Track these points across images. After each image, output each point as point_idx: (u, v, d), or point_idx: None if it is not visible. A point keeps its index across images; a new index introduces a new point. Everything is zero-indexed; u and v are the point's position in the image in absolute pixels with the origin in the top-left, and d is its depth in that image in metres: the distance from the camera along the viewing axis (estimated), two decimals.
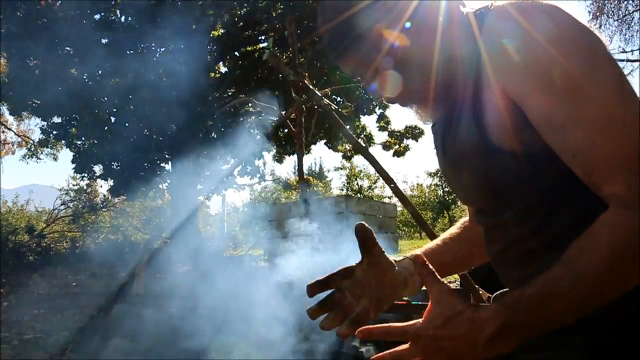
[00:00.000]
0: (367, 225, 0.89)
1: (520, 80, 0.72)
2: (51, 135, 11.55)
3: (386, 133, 14.09)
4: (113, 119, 10.74)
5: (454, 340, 0.67)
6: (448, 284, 0.74)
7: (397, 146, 14.08)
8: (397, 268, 0.93)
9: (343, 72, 0.97)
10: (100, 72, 10.22)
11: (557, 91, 0.69)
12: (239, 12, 11.36)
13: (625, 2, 12.67)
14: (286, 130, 8.30)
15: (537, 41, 0.70)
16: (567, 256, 0.67)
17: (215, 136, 12.41)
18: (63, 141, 11.95)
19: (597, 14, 13.04)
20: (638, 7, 12.40)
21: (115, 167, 10.64)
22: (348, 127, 4.48)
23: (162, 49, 11.16)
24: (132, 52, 10.57)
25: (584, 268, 0.64)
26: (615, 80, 0.69)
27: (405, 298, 3.62)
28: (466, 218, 1.17)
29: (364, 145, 3.87)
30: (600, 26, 12.95)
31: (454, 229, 1.15)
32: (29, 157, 16.31)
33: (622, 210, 0.65)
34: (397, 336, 0.72)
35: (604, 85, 0.68)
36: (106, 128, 10.41)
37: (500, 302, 0.68)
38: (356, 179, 24.17)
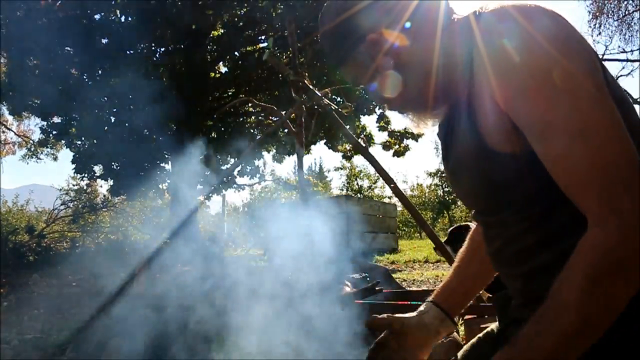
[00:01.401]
0: (373, 318, 1.06)
1: (502, 86, 0.73)
2: (51, 135, 11.56)
3: (386, 133, 14.10)
4: (113, 119, 10.74)
5: None
6: None
7: (397, 146, 14.09)
8: (425, 323, 1.07)
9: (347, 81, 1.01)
10: (100, 72, 10.24)
11: (536, 98, 0.70)
12: (239, 12, 11.36)
13: (625, 2, 12.67)
14: (286, 130, 8.30)
15: (517, 47, 0.71)
16: (551, 290, 0.68)
17: (215, 136, 12.42)
18: (63, 141, 11.96)
19: (597, 14, 13.05)
20: (638, 7, 12.40)
21: (115, 167, 10.65)
22: (348, 127, 4.48)
23: (162, 49, 11.17)
24: (132, 52, 10.58)
25: (566, 299, 0.65)
26: (593, 89, 0.68)
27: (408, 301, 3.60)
28: (473, 225, 1.19)
29: (364, 145, 3.87)
30: (600, 26, 12.96)
31: (467, 249, 1.17)
32: (29, 157, 16.34)
33: (594, 231, 0.65)
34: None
35: (581, 94, 0.68)
36: (106, 128, 10.42)
37: (508, 343, 0.71)
38: (356, 179, 24.17)
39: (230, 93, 12.24)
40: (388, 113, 13.64)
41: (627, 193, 0.64)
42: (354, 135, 4.44)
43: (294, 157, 14.80)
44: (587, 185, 0.67)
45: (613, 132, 0.67)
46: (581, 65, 0.70)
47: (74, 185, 12.85)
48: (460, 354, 1.05)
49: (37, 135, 15.48)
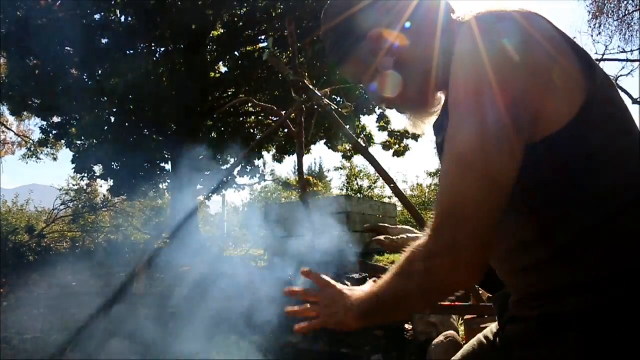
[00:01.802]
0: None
1: (449, 91, 0.78)
2: (51, 135, 11.55)
3: (386, 133, 14.07)
4: (113, 119, 10.74)
5: (335, 311, 0.94)
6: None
7: (397, 146, 14.07)
8: None
9: (347, 80, 1.05)
10: (100, 72, 10.23)
11: (456, 114, 0.75)
12: (239, 12, 11.35)
13: (625, 2, 12.67)
14: (286, 130, 8.30)
15: (465, 61, 0.74)
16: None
17: (215, 136, 12.42)
18: (63, 141, 11.96)
19: (597, 14, 13.05)
20: (638, 7, 12.41)
21: (115, 167, 10.65)
22: (348, 127, 4.47)
23: (162, 49, 11.17)
24: (132, 52, 10.58)
25: (390, 275, 0.83)
26: (497, 122, 0.70)
27: None
28: None
29: (364, 145, 3.86)
30: (600, 26, 12.96)
31: None
32: (29, 157, 16.30)
33: (424, 240, 0.78)
34: (309, 296, 1.01)
35: (483, 126, 0.71)
36: (106, 128, 10.42)
37: (357, 296, 0.91)
38: (356, 179, 24.13)
39: (230, 93, 12.23)
40: (388, 113, 13.62)
41: (454, 228, 0.72)
42: (354, 135, 4.44)
43: (294, 157, 14.80)
44: (439, 202, 0.76)
45: (483, 173, 0.70)
46: (503, 95, 0.70)
47: (74, 185, 12.86)
48: (459, 354, 1.05)
49: (37, 135, 15.48)
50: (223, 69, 12.86)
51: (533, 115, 0.73)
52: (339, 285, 0.99)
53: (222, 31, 11.67)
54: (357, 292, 0.93)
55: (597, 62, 0.81)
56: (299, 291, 1.03)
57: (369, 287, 0.89)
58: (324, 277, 1.02)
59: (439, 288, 0.77)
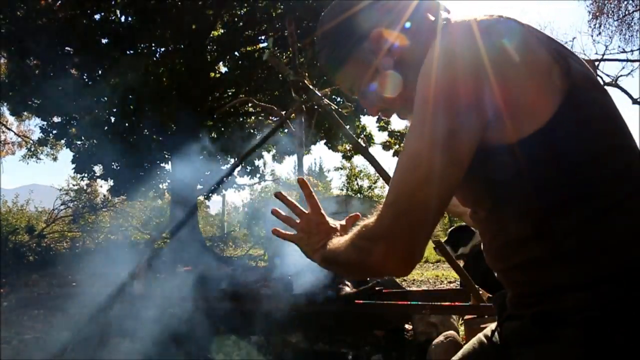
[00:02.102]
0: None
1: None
2: (51, 135, 11.55)
3: (386, 133, 14.10)
4: (113, 119, 10.74)
5: (307, 242, 1.06)
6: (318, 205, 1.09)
7: (397, 146, 14.08)
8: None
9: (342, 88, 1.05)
10: (100, 72, 10.23)
11: (413, 118, 0.77)
12: (239, 12, 11.35)
13: (625, 2, 12.68)
14: (286, 130, 8.29)
15: (425, 66, 0.77)
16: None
17: (215, 136, 12.42)
18: (63, 141, 11.96)
19: (597, 14, 13.06)
20: (638, 7, 12.41)
21: (115, 167, 10.65)
22: (348, 127, 4.47)
23: (162, 49, 11.17)
24: (132, 52, 10.57)
25: (347, 239, 0.89)
26: (445, 127, 0.72)
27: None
28: None
29: (364, 145, 3.86)
30: (600, 26, 12.98)
31: None
32: (29, 157, 16.30)
33: (371, 219, 0.83)
34: (296, 210, 1.10)
35: (433, 132, 0.73)
36: (106, 128, 10.42)
37: (327, 246, 1.00)
38: (356, 179, 24.12)
39: (230, 93, 12.23)
40: None
41: (393, 219, 0.77)
42: (354, 135, 4.43)
43: (294, 157, 14.80)
44: (388, 192, 0.80)
45: (425, 177, 0.73)
46: (454, 106, 0.72)
47: (74, 185, 12.88)
48: (459, 353, 1.05)
49: (37, 135, 15.46)
50: (223, 69, 12.86)
51: (501, 115, 0.74)
52: (326, 218, 1.09)
53: (222, 31, 11.67)
54: (331, 239, 1.01)
55: (584, 62, 0.83)
56: (289, 202, 1.11)
57: (337, 240, 0.98)
58: (317, 202, 1.10)
59: (371, 268, 0.84)
